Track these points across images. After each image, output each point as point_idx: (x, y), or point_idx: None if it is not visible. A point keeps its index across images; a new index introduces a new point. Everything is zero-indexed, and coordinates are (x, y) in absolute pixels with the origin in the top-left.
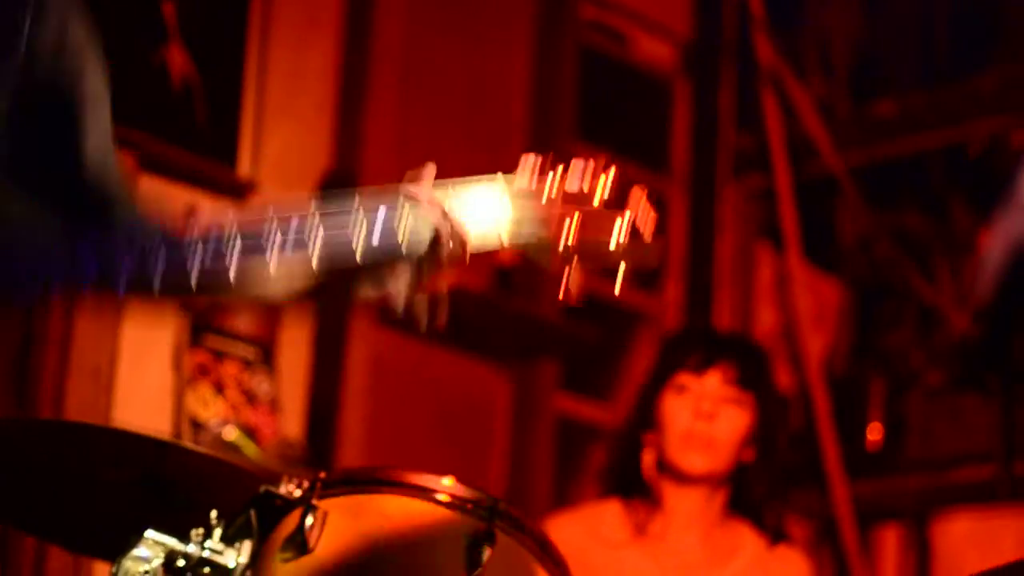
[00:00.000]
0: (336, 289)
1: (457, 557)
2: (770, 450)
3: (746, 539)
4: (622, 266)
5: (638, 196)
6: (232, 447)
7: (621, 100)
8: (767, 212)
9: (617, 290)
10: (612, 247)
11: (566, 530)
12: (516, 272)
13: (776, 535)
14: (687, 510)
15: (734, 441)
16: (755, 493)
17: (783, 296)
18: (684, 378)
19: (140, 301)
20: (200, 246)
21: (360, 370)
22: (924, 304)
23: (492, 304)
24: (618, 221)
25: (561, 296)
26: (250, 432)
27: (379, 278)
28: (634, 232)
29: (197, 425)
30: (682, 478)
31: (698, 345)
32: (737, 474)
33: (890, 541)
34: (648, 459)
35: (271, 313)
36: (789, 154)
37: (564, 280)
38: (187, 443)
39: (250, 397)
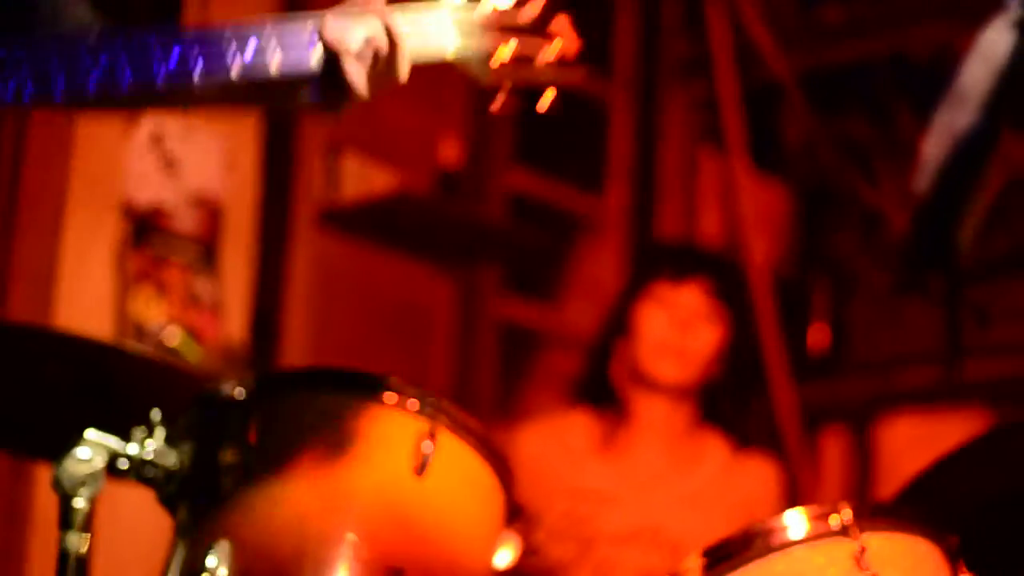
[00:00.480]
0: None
1: (401, 455)
2: (741, 364)
3: (712, 448)
4: (549, 85)
5: (564, 22)
6: (175, 350)
7: (566, 4)
8: (711, 118)
9: (543, 107)
10: (542, 65)
11: (533, 440)
12: (460, 176)
13: (743, 443)
14: (654, 419)
15: (706, 353)
16: (724, 406)
17: (727, 201)
18: (661, 288)
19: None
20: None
21: (303, 273)
22: (868, 208)
23: (436, 208)
24: (547, 43)
25: (494, 109)
26: (193, 335)
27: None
28: (559, 54)
29: (139, 328)
30: (653, 386)
31: (676, 256)
32: (707, 387)
33: (834, 443)
34: (618, 367)
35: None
36: (734, 60)
37: (498, 94)
38: (129, 345)
39: (193, 300)
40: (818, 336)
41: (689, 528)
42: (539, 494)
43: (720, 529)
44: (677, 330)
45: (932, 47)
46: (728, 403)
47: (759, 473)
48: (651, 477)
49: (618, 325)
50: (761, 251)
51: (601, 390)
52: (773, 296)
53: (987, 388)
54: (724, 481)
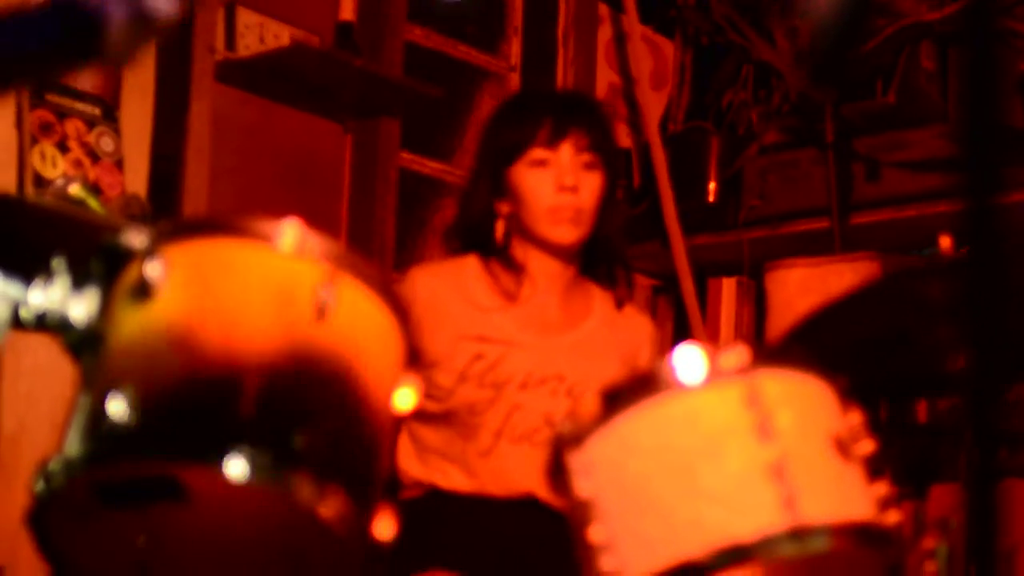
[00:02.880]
0: None
1: (302, 304)
2: (614, 208)
3: (597, 300)
4: None
5: None
6: (77, 203)
7: None
8: None
9: None
10: None
11: (430, 283)
12: (357, 30)
13: (621, 296)
14: (548, 274)
15: (594, 206)
16: (601, 254)
17: (622, 55)
18: (539, 152)
19: None
20: None
21: (202, 127)
22: (761, 63)
23: (334, 60)
24: None
25: None
26: (95, 189)
27: None
28: None
29: (41, 182)
30: (550, 249)
31: (546, 116)
32: (587, 241)
33: (727, 292)
34: (502, 227)
35: None
36: None
37: None
38: (32, 198)
39: (94, 154)
40: (711, 189)
41: (587, 375)
42: (444, 338)
43: (613, 376)
44: (567, 192)
45: None
46: (605, 254)
47: (640, 326)
48: (549, 326)
49: (497, 188)
50: (656, 106)
51: (489, 246)
52: (667, 150)
53: (875, 238)
54: (610, 332)
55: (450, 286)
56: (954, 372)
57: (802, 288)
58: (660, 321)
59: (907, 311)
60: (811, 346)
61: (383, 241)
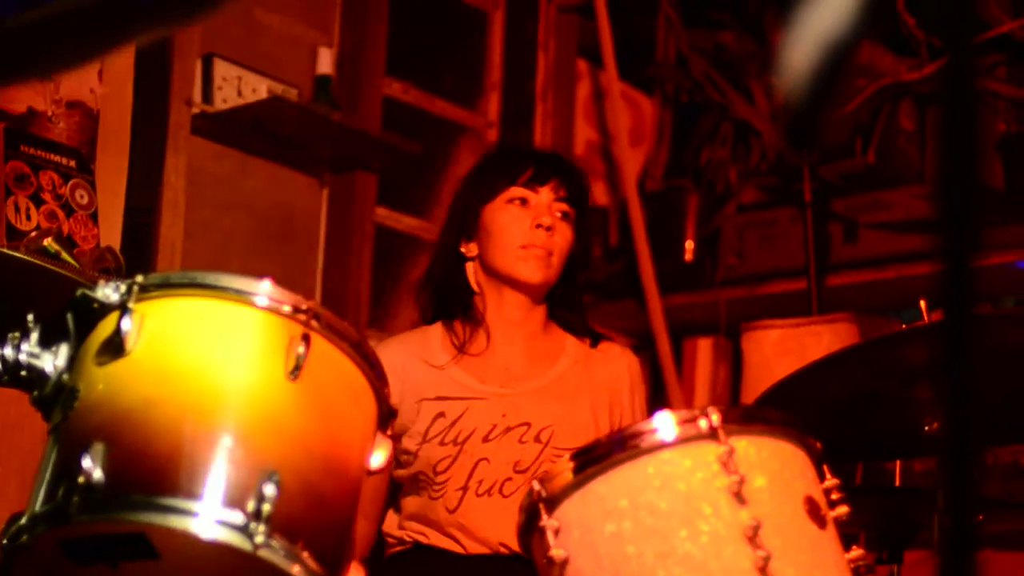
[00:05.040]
0: None
1: (275, 359)
2: (582, 265)
3: (569, 343)
4: None
5: None
6: (50, 256)
7: None
8: (586, 30)
9: None
10: None
11: (398, 353)
12: (335, 84)
13: (596, 337)
14: (510, 320)
15: (565, 254)
16: (565, 307)
17: (601, 112)
18: (520, 191)
19: None
20: None
21: (178, 180)
22: (740, 122)
23: (311, 114)
24: None
25: None
26: (69, 242)
27: None
28: None
29: (15, 234)
30: (515, 287)
31: (530, 161)
32: (554, 287)
33: (703, 352)
34: (471, 270)
35: None
36: None
37: None
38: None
39: (69, 207)
40: (689, 248)
41: (557, 419)
42: (409, 405)
43: (585, 417)
44: (543, 231)
45: None
46: (569, 306)
47: (619, 359)
48: (513, 375)
49: (468, 228)
50: (634, 163)
51: (454, 296)
52: (645, 208)
53: (853, 299)
54: (584, 371)
55: (413, 353)
56: (930, 435)
57: (779, 349)
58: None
59: (883, 373)
60: (787, 408)
61: (358, 297)
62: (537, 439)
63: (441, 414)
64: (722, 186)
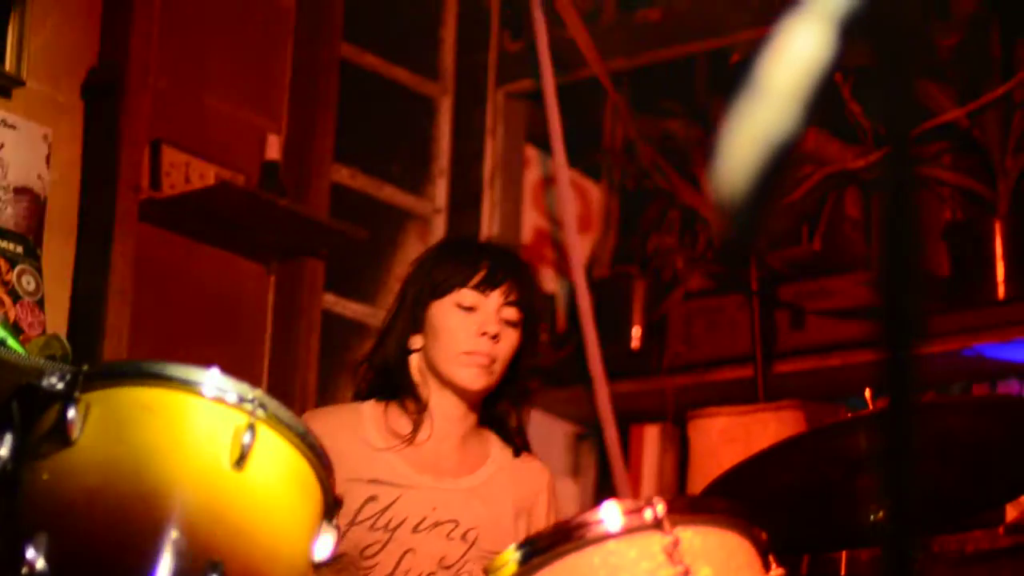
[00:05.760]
0: None
1: (220, 448)
2: (523, 366)
3: (495, 447)
4: None
5: None
6: None
7: (391, 2)
8: (535, 117)
9: None
10: None
11: (326, 424)
12: (282, 170)
13: (520, 446)
14: (449, 416)
15: (508, 359)
16: (505, 409)
17: (549, 198)
18: (470, 295)
19: None
20: None
21: (125, 266)
22: (687, 209)
23: (259, 200)
24: None
25: None
26: (15, 328)
27: None
28: None
29: None
30: (456, 391)
31: (482, 262)
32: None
33: (650, 439)
34: (415, 363)
35: None
36: (556, 59)
37: None
38: None
39: (15, 293)
40: (636, 334)
41: (483, 521)
42: (337, 481)
43: (509, 523)
44: (488, 340)
45: (749, 47)
46: (509, 405)
47: (537, 475)
48: (445, 470)
49: (416, 321)
50: (582, 250)
51: (397, 385)
52: (592, 294)
53: (799, 386)
54: (508, 479)
55: (344, 428)
56: (876, 524)
57: (725, 437)
58: (583, 468)
59: (828, 462)
60: (733, 498)
61: (305, 385)
62: (464, 538)
63: (373, 497)
64: (669, 273)
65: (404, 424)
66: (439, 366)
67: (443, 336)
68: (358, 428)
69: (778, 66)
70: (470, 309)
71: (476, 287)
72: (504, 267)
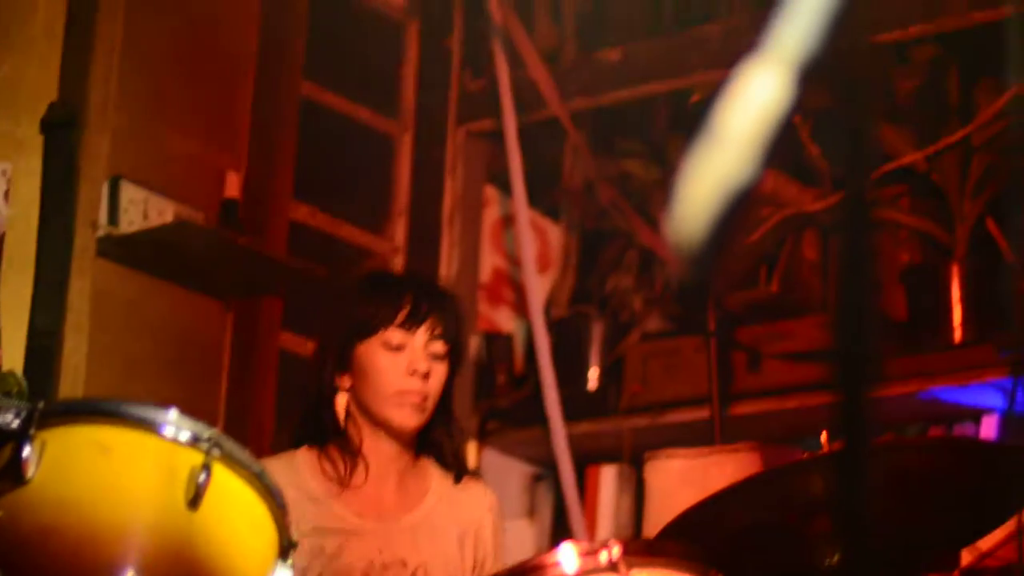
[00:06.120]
0: None
1: (176, 488)
2: (451, 395)
3: (434, 478)
4: None
5: None
6: None
7: (353, 40)
8: (495, 156)
9: None
10: None
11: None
12: (241, 208)
13: (460, 472)
14: (384, 456)
15: (439, 394)
16: (440, 436)
17: (508, 238)
18: (397, 335)
19: None
20: None
21: (82, 303)
22: (645, 250)
23: (217, 238)
24: None
25: None
26: None
27: None
28: None
29: None
30: (389, 431)
31: (406, 299)
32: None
33: (606, 481)
34: (343, 403)
35: None
36: (516, 99)
37: None
38: None
39: None
40: (593, 375)
41: (430, 557)
42: None
43: (455, 555)
44: (417, 378)
45: (709, 89)
46: (444, 434)
47: (480, 498)
48: (387, 511)
49: (343, 361)
50: (540, 289)
51: (327, 429)
52: (550, 334)
53: (756, 428)
54: (449, 508)
55: (280, 479)
56: (831, 568)
57: (682, 479)
58: (539, 509)
59: (784, 504)
60: (689, 540)
61: (261, 424)
62: None
63: (320, 549)
64: (627, 314)
65: (341, 467)
66: (371, 407)
67: (372, 377)
68: (294, 478)
69: (736, 112)
70: (398, 348)
71: (401, 325)
72: (427, 300)
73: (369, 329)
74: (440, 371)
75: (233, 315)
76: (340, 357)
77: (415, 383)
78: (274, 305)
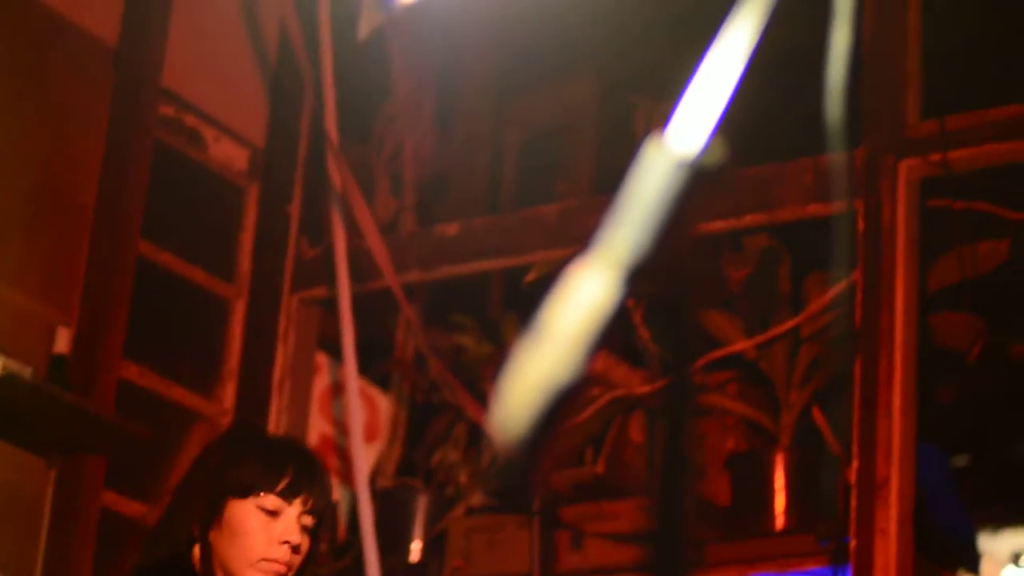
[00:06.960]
0: None
1: None
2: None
3: None
4: None
5: None
6: None
7: (192, 201)
8: (328, 323)
9: None
10: None
11: None
12: (70, 365)
13: None
14: None
15: (299, 566)
16: None
17: (338, 406)
18: (274, 501)
19: None
20: None
21: None
22: (473, 424)
23: (43, 394)
24: None
25: None
26: None
27: None
28: None
29: None
30: None
31: (287, 466)
32: None
33: None
34: (198, 553)
35: None
36: (352, 268)
37: None
38: None
39: None
40: (416, 548)
41: None
42: None
43: None
44: (287, 548)
45: (544, 267)
46: None
47: None
48: None
49: (211, 514)
50: (367, 460)
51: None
52: (374, 505)
53: None
54: None
55: None
56: None
57: None
58: None
59: None
60: None
61: None
62: None
63: None
64: (452, 488)
65: None
66: (233, 568)
67: (241, 538)
68: None
69: (564, 312)
70: (273, 514)
71: (280, 493)
72: (307, 472)
73: (248, 491)
74: (306, 543)
75: (56, 472)
76: (210, 509)
77: (284, 553)
78: (98, 464)
